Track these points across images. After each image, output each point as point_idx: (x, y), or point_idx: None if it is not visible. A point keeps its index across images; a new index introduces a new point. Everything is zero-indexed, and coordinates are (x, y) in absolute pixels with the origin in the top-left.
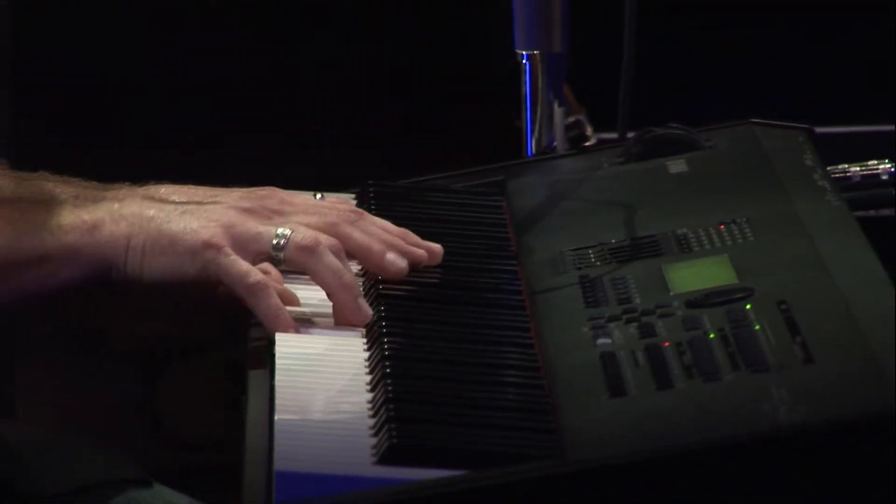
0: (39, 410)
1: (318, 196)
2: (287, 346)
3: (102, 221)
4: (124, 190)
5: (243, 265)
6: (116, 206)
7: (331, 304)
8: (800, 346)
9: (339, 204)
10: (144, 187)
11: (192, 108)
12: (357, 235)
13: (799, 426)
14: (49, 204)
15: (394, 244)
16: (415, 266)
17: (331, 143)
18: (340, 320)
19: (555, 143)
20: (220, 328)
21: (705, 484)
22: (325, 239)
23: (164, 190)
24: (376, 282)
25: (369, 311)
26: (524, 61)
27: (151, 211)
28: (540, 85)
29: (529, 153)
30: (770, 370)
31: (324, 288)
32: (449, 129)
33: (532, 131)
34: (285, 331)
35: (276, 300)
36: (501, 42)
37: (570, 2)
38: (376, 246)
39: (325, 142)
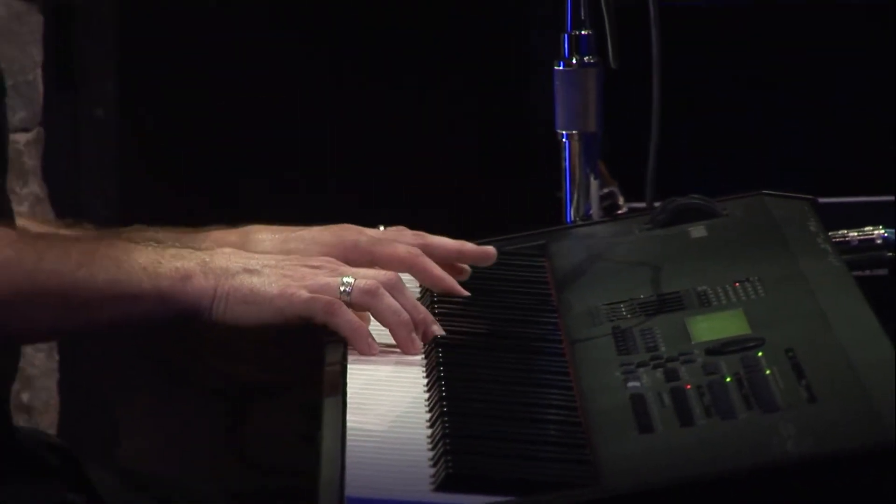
0: (141, 439)
1: (381, 228)
2: (357, 386)
3: (194, 272)
4: (217, 233)
5: (315, 296)
6: (207, 259)
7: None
8: (805, 389)
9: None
10: (239, 230)
11: (268, 163)
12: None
13: (804, 458)
14: (151, 249)
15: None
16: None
17: (398, 206)
18: (400, 347)
19: (591, 212)
20: (298, 371)
21: None
22: (384, 278)
23: (257, 235)
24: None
25: (420, 344)
26: (564, 140)
27: (236, 266)
28: (578, 160)
29: (569, 220)
30: (779, 409)
31: (384, 325)
32: (499, 199)
33: (571, 201)
34: (364, 341)
35: (353, 315)
36: (544, 124)
37: (604, 89)
38: (404, 318)
39: (393, 204)
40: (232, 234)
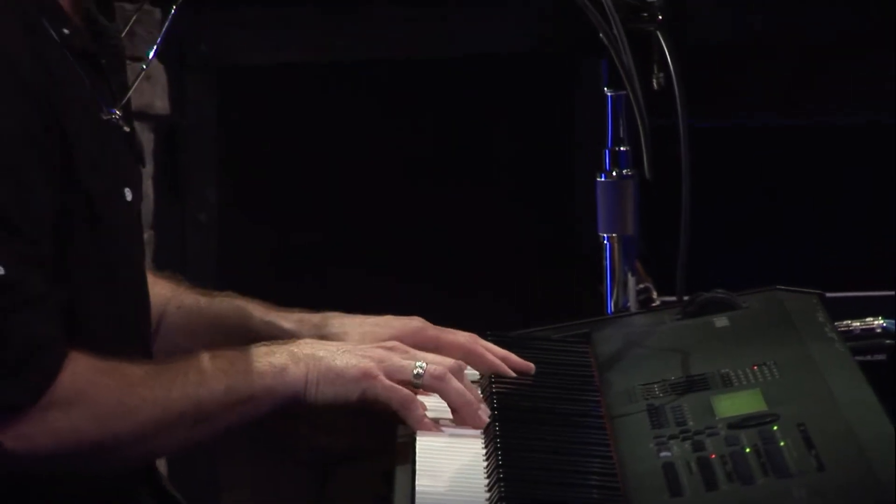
0: (238, 500)
1: None
2: (425, 455)
3: (287, 363)
4: (301, 314)
5: (396, 387)
6: (294, 349)
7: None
8: (814, 458)
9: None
10: (321, 314)
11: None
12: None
13: None
14: (245, 352)
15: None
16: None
17: (462, 299)
18: (464, 424)
19: (628, 304)
20: (375, 443)
21: None
22: (450, 364)
23: (335, 319)
24: (492, 407)
25: (486, 417)
26: (605, 241)
27: (321, 353)
28: (617, 259)
29: (609, 311)
30: (792, 476)
31: (451, 406)
32: (549, 293)
33: (611, 295)
34: (428, 430)
35: (421, 410)
36: (588, 228)
37: (640, 197)
38: (469, 399)
39: (458, 297)
40: (315, 317)
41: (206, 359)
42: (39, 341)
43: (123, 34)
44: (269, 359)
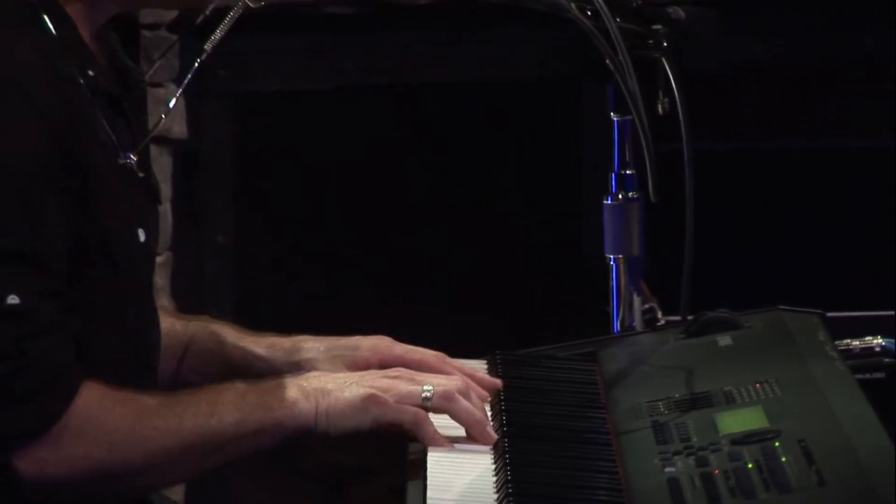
0: None
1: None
2: (436, 471)
3: (297, 398)
4: (273, 339)
5: (406, 407)
6: (304, 383)
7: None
8: (815, 473)
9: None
10: (292, 338)
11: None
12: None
13: None
14: (256, 385)
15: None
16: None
17: (473, 319)
18: (474, 441)
19: (634, 323)
20: (386, 459)
21: None
22: (455, 384)
23: (306, 343)
24: (501, 424)
25: (494, 435)
26: (611, 262)
27: (330, 385)
28: (623, 280)
29: (615, 331)
30: (793, 491)
31: (461, 424)
32: (556, 313)
33: (617, 314)
34: (441, 446)
35: (433, 427)
36: (594, 249)
37: (645, 219)
38: (478, 416)
39: (468, 317)
40: (286, 341)
41: (217, 391)
42: (54, 368)
43: (148, 75)
44: (280, 393)
